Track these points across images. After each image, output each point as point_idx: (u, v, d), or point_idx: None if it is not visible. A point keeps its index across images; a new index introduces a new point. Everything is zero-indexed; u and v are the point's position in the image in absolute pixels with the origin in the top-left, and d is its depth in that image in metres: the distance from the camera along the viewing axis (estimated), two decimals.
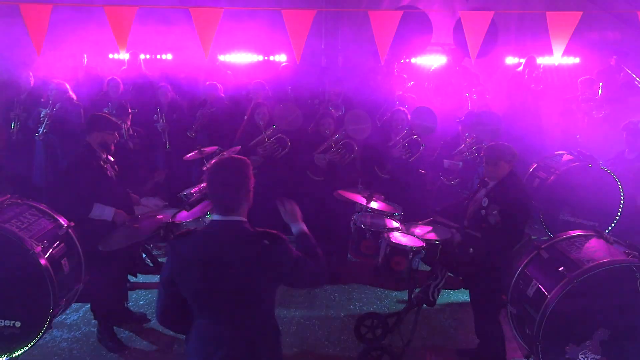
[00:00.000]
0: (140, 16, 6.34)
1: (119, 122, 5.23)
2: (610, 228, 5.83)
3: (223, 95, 8.19)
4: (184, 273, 2.75)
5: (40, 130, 7.33)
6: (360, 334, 5.22)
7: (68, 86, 7.51)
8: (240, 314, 2.74)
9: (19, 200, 4.86)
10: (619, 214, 5.82)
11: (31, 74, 7.81)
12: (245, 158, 2.92)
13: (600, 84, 7.65)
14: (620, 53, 7.97)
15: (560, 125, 7.67)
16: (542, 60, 8.20)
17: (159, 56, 10.22)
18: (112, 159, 5.15)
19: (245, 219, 2.81)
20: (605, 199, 5.82)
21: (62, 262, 4.58)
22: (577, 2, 7.55)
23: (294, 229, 3.09)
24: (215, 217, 2.80)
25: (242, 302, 2.73)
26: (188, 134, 7.73)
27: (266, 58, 10.18)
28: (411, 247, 4.61)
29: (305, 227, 3.08)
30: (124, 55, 8.94)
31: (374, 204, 5.17)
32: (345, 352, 5.15)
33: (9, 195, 4.86)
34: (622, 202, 5.75)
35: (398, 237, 4.76)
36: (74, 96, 7.61)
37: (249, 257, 2.69)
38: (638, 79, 7.80)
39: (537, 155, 6.67)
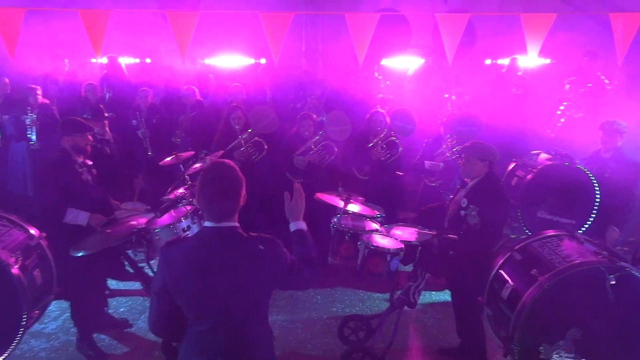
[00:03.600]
0: (119, 20, 6.32)
1: (89, 125, 5.15)
2: (586, 226, 5.91)
3: (202, 99, 8.15)
4: (177, 281, 2.71)
5: (33, 137, 7.27)
6: (343, 336, 5.23)
7: (39, 92, 7.41)
8: (235, 320, 2.71)
9: None
10: (594, 211, 5.90)
11: (7, 80, 7.71)
12: (233, 163, 2.85)
13: (589, 84, 7.74)
14: (591, 54, 8.10)
15: (543, 126, 7.75)
16: (521, 62, 8.30)
17: (138, 60, 10.15)
18: (89, 162, 5.09)
19: (237, 224, 2.77)
20: (582, 197, 5.90)
21: (35, 273, 4.49)
22: (551, 4, 7.66)
23: (293, 226, 3.01)
24: (208, 223, 2.74)
25: (236, 308, 2.70)
26: (172, 139, 7.68)
27: (252, 61, 10.16)
28: (389, 249, 4.62)
29: (304, 226, 3.01)
30: (104, 60, 8.87)
31: (352, 207, 5.18)
32: (328, 354, 5.15)
33: None
34: (597, 200, 5.83)
35: (376, 239, 4.77)
36: (46, 101, 7.53)
37: (244, 262, 2.67)
38: (607, 81, 7.95)
39: (518, 155, 6.73)
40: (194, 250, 2.70)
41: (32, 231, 4.70)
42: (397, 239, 4.81)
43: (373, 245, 4.64)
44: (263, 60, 10.04)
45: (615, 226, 5.81)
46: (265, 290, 2.79)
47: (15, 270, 4.21)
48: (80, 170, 4.92)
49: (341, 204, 5.10)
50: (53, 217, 4.77)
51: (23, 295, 4.21)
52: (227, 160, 2.85)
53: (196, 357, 2.75)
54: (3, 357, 4.30)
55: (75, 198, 4.79)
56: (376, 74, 9.07)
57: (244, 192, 2.77)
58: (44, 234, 4.72)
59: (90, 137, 5.06)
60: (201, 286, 2.65)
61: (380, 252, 4.62)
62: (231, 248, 2.69)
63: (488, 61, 9.89)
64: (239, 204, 2.75)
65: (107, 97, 8.32)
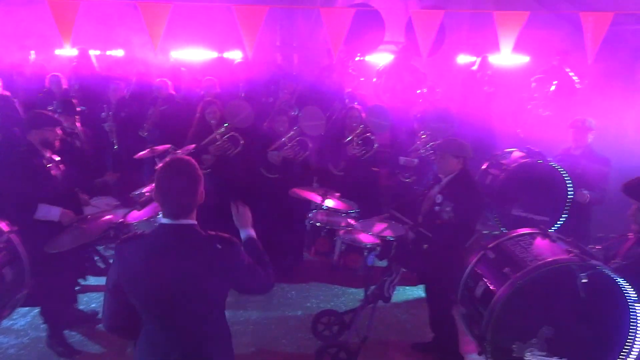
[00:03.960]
0: (88, 10, 6.15)
1: (58, 118, 5.02)
2: (560, 222, 6.00)
3: (174, 92, 8.03)
4: (131, 278, 2.67)
5: None
6: (317, 331, 5.23)
7: None
8: (190, 319, 2.68)
9: None
10: (566, 208, 5.99)
11: None
12: (192, 159, 2.82)
13: (555, 82, 7.86)
14: (561, 53, 8.24)
15: (513, 124, 7.84)
16: (493, 59, 8.40)
17: (109, 52, 9.93)
18: (57, 157, 4.96)
19: (195, 222, 2.74)
20: (555, 194, 5.99)
21: (3, 271, 4.35)
22: (524, 3, 7.75)
23: (242, 234, 3.05)
24: (165, 220, 2.70)
25: (191, 307, 2.66)
26: (140, 133, 7.54)
27: (221, 55, 10.03)
28: (366, 245, 4.64)
29: (254, 234, 3.06)
30: (73, 52, 8.64)
31: (328, 202, 5.18)
32: (302, 350, 5.15)
33: None
34: (569, 197, 5.92)
35: (353, 235, 4.78)
36: (7, 93, 7.32)
37: (200, 261, 2.63)
38: (577, 80, 8.09)
39: (490, 154, 6.81)
40: (149, 248, 2.66)
41: (1, 226, 4.54)
42: (372, 234, 4.83)
43: (349, 241, 4.65)
44: (234, 54, 9.90)
45: (585, 227, 5.90)
46: (221, 291, 2.75)
47: None
48: (48, 165, 4.79)
49: (318, 199, 5.10)
50: (24, 213, 4.64)
51: None
52: (185, 157, 2.83)
53: (150, 356, 2.72)
54: None
55: (43, 193, 4.66)
56: (350, 70, 9.05)
57: (201, 189, 2.74)
58: (14, 228, 4.56)
59: (59, 132, 4.93)
60: (155, 284, 2.61)
61: (357, 248, 4.63)
62: (187, 246, 2.65)
63: (462, 58, 9.96)
64: (196, 202, 2.72)
65: (74, 89, 8.11)
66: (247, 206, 3.12)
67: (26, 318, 5.47)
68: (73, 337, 5.16)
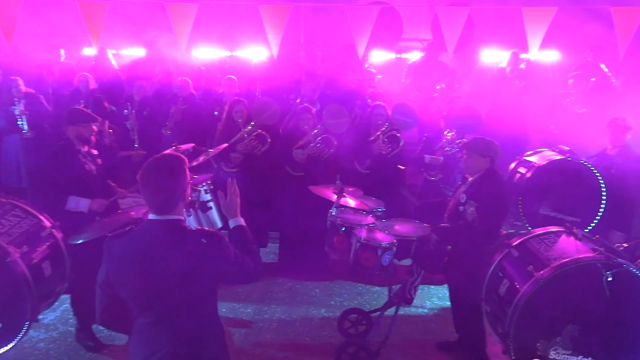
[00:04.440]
0: (116, 10, 6.26)
1: (94, 115, 5.15)
2: (593, 224, 5.84)
3: (194, 91, 8.11)
4: (120, 274, 2.71)
5: (25, 126, 7.22)
6: (343, 329, 5.22)
7: (21, 82, 7.34)
8: (179, 313, 2.70)
9: (3, 199, 4.75)
10: (601, 209, 5.83)
11: None
12: (180, 155, 2.85)
13: (592, 79, 7.68)
14: (596, 49, 8.05)
15: (547, 121, 7.68)
16: (523, 56, 8.26)
17: (130, 51, 10.06)
18: (95, 152, 5.11)
19: (181, 217, 2.76)
20: (587, 194, 5.82)
21: (43, 265, 4.49)
22: None
23: (232, 223, 3.02)
24: (152, 216, 2.74)
25: (180, 301, 2.68)
26: (163, 131, 7.64)
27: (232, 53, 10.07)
28: (380, 243, 4.61)
29: (243, 222, 3.02)
30: (91, 51, 8.81)
31: (347, 200, 5.15)
32: (325, 347, 5.15)
33: None
34: (603, 198, 5.76)
35: (368, 233, 4.76)
36: (32, 90, 7.48)
37: (186, 255, 2.65)
38: (612, 76, 7.90)
39: (521, 152, 6.68)
40: (136, 243, 2.70)
41: (45, 221, 4.69)
42: (391, 233, 4.79)
43: (364, 239, 4.63)
44: (258, 52, 9.93)
45: (619, 230, 5.74)
46: (208, 284, 2.76)
47: (19, 266, 4.21)
48: (83, 160, 4.93)
49: (333, 197, 5.08)
50: (54, 206, 4.77)
51: (27, 290, 4.22)
52: (170, 153, 2.86)
53: (142, 350, 2.76)
54: (9, 346, 4.32)
55: (77, 187, 4.80)
56: (370, 68, 9.01)
57: (181, 186, 2.74)
58: (57, 223, 4.71)
59: (94, 128, 5.09)
60: (142, 279, 2.65)
61: (371, 246, 4.61)
62: (173, 241, 2.67)
63: (489, 54, 9.82)
64: (175, 197, 2.71)
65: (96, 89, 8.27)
66: (236, 192, 3.06)
67: (56, 313, 5.57)
68: (101, 331, 5.24)
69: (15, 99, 7.22)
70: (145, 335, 2.75)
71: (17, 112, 7.20)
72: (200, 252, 2.66)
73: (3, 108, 7.28)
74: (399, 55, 10.04)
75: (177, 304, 2.69)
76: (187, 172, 2.80)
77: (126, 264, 2.68)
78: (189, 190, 2.81)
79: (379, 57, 9.63)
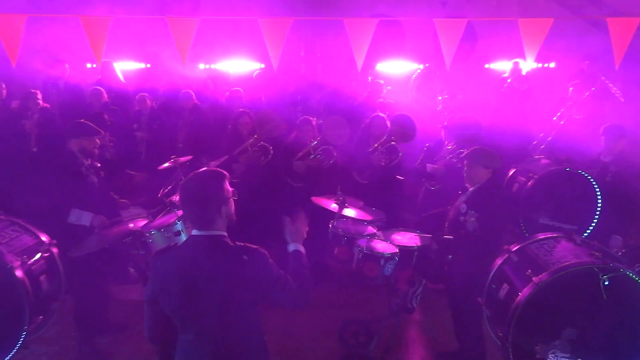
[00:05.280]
0: (119, 26, 6.33)
1: (97, 128, 5.21)
2: (589, 231, 5.87)
3: (199, 103, 8.20)
4: (164, 289, 2.73)
5: (32, 143, 7.28)
6: (344, 339, 5.23)
7: (39, 96, 7.45)
8: (221, 330, 2.72)
9: (2, 217, 4.81)
10: (596, 216, 5.86)
11: (3, 85, 7.75)
12: (219, 170, 2.88)
13: (593, 88, 7.73)
14: (591, 58, 8.11)
15: (545, 128, 7.72)
16: (523, 65, 8.34)
17: (144, 65, 10.19)
18: (98, 165, 5.17)
19: (224, 233, 2.78)
20: (584, 202, 5.87)
21: (41, 278, 4.53)
22: (548, 8, 7.70)
23: (292, 247, 3.04)
24: (194, 232, 2.77)
25: (221, 318, 2.70)
26: (174, 143, 7.72)
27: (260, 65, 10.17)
28: (383, 254, 4.63)
29: (302, 249, 3.03)
30: (93, 65, 8.92)
31: (348, 211, 5.18)
32: (326, 358, 5.15)
33: None
34: (599, 205, 5.79)
35: (371, 244, 4.78)
36: (47, 105, 7.58)
37: (228, 272, 2.67)
38: (611, 84, 7.93)
39: (521, 158, 6.72)
40: (180, 259, 2.73)
41: (43, 238, 4.75)
42: (392, 244, 4.82)
43: (367, 250, 4.65)
44: (261, 66, 10.05)
45: (617, 234, 5.75)
46: (249, 301, 2.76)
47: (19, 272, 4.24)
48: (86, 172, 4.99)
49: (335, 208, 5.11)
50: (57, 219, 4.83)
51: (26, 298, 4.24)
52: (210, 170, 2.90)
53: None
54: (8, 357, 4.33)
55: (79, 200, 4.85)
56: (375, 78, 9.09)
57: (226, 200, 2.76)
58: (54, 241, 4.77)
59: (97, 141, 5.15)
60: (185, 294, 2.67)
61: (374, 257, 4.63)
62: (214, 256, 2.70)
63: (488, 66, 9.91)
64: (213, 212, 2.73)
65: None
66: (304, 221, 3.10)
67: (57, 326, 5.58)
68: (102, 344, 5.26)
69: (30, 113, 7.30)
70: (188, 351, 2.77)
71: (27, 127, 7.29)
72: (241, 268, 2.67)
73: (11, 123, 7.35)
74: (420, 65, 10.07)
75: (216, 320, 2.70)
76: (227, 187, 2.81)
77: (169, 280, 2.70)
78: (230, 206, 2.83)
79: (393, 67, 9.68)
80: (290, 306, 2.96)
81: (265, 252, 2.80)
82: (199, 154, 6.96)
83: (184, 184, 2.80)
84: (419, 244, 4.87)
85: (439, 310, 6.04)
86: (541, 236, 4.61)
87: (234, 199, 2.88)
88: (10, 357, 4.36)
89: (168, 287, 2.71)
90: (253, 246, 2.78)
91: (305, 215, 3.13)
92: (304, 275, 2.93)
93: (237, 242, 2.78)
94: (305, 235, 3.09)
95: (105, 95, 8.14)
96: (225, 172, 2.86)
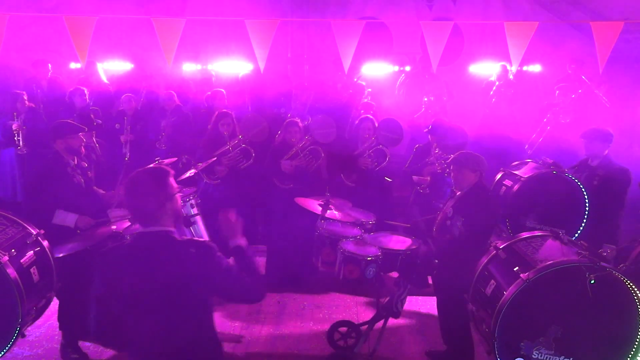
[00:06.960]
0: (104, 26, 6.27)
1: (80, 125, 5.14)
2: (577, 235, 5.88)
3: (181, 104, 8.15)
4: (112, 287, 2.73)
5: (20, 143, 7.22)
6: (332, 340, 5.22)
7: (26, 97, 7.36)
8: (171, 326, 2.69)
9: None
10: (584, 221, 5.89)
11: None
12: (163, 167, 2.88)
13: (579, 90, 7.80)
14: (576, 61, 8.20)
15: (532, 131, 7.77)
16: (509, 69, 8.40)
17: (116, 66, 10.08)
18: (85, 164, 5.11)
19: (170, 229, 2.76)
20: (571, 205, 5.88)
21: (31, 270, 4.42)
22: (533, 12, 7.77)
23: (231, 243, 3.01)
24: (139, 229, 2.76)
25: (172, 314, 2.67)
26: (157, 145, 7.66)
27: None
28: (364, 256, 4.64)
29: (243, 242, 3.00)
30: (78, 66, 8.83)
31: (332, 213, 5.17)
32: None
33: None
34: (586, 209, 5.83)
35: (353, 246, 4.78)
36: (33, 105, 7.49)
37: (175, 267, 2.64)
38: (596, 90, 8.03)
39: (508, 162, 6.74)
40: (127, 256, 2.73)
41: (30, 229, 4.63)
42: (377, 246, 4.81)
43: (348, 252, 4.66)
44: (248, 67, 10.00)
45: (609, 243, 5.77)
46: (199, 296, 2.74)
47: (9, 269, 4.15)
48: (72, 172, 4.93)
49: (318, 209, 5.11)
50: (41, 219, 4.74)
51: (18, 293, 4.14)
52: (150, 167, 2.89)
53: None
54: (1, 354, 4.24)
55: (65, 201, 4.79)
56: (359, 80, 9.10)
57: (170, 196, 2.75)
58: (42, 232, 4.65)
59: (82, 137, 5.08)
60: (134, 291, 2.66)
61: (354, 259, 4.63)
62: (160, 252, 2.68)
63: (474, 68, 9.96)
64: (162, 208, 2.71)
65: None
66: (236, 216, 3.07)
67: (41, 329, 5.51)
68: (87, 347, 5.18)
69: (15, 113, 7.21)
70: (139, 348, 2.76)
71: (14, 127, 7.20)
72: (188, 262, 2.65)
73: (1, 122, 7.27)
74: (402, 68, 10.10)
75: (168, 316, 2.67)
76: (172, 183, 2.79)
77: (117, 278, 2.70)
78: (175, 201, 2.80)
79: (376, 70, 9.69)
80: (246, 300, 2.99)
81: (214, 245, 2.77)
82: (181, 156, 6.95)
83: (127, 181, 2.77)
84: (404, 247, 4.88)
85: (427, 312, 6.07)
86: (529, 235, 4.64)
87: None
88: (7, 351, 4.27)
89: (116, 284, 2.71)
90: (200, 239, 2.78)
91: (233, 210, 3.09)
92: (253, 270, 2.92)
93: (184, 237, 2.77)
94: (240, 229, 3.04)
95: (87, 95, 8.05)
96: (169, 169, 2.85)
